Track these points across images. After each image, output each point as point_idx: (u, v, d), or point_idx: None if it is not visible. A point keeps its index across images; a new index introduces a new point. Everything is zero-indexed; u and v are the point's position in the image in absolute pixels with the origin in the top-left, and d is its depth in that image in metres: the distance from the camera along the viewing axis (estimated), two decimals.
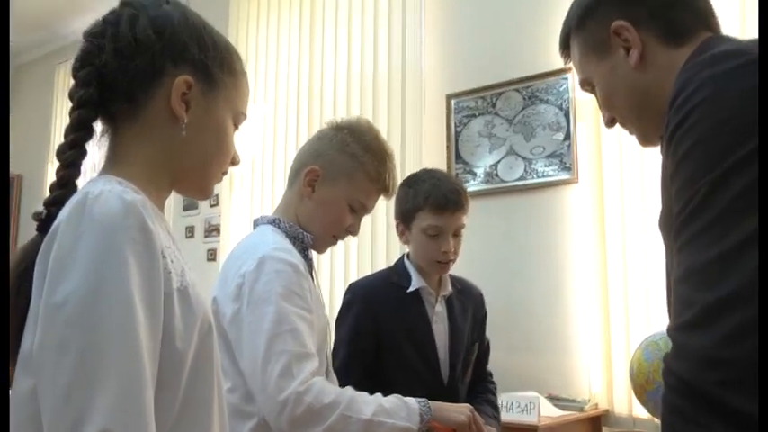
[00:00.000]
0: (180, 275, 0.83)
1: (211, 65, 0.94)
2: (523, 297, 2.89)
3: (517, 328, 2.86)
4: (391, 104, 3.38)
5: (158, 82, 0.89)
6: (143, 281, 0.76)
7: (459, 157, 3.17)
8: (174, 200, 4.13)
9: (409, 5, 3.39)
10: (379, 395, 1.40)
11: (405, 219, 1.90)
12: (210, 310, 0.90)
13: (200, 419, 0.84)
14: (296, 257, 1.44)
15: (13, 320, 0.80)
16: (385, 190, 1.59)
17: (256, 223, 1.58)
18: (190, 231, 4.32)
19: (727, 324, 0.71)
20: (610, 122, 1.12)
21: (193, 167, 0.95)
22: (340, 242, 1.64)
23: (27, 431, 0.76)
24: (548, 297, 2.83)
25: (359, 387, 1.46)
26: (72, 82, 0.89)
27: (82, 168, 0.88)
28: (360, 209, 1.56)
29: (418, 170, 2.02)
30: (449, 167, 3.16)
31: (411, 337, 1.85)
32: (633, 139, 1.12)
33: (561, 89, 2.88)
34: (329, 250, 1.74)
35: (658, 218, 0.97)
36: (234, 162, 1.01)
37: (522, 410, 2.34)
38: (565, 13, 1.13)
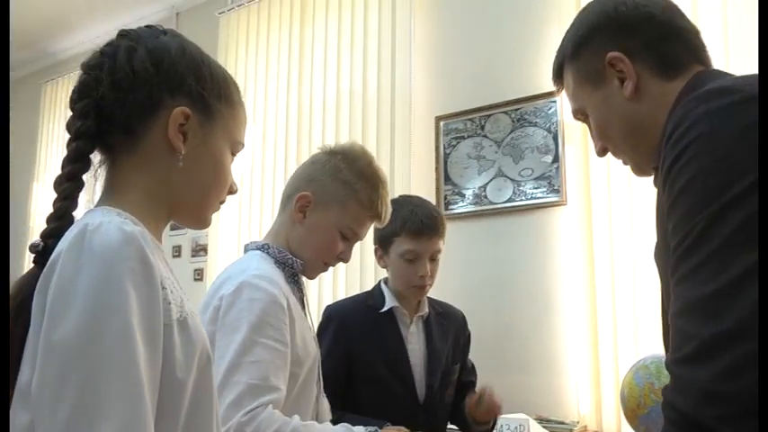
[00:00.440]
0: (179, 306, 0.83)
1: (208, 96, 0.94)
2: (512, 319, 2.89)
3: (506, 349, 2.86)
4: (380, 126, 3.39)
5: (156, 113, 0.90)
6: (143, 312, 0.75)
7: (447, 179, 3.18)
8: None
9: (398, 28, 3.41)
10: (327, 424, 1.39)
11: (383, 244, 1.95)
12: (208, 340, 0.90)
13: None
14: (278, 287, 1.39)
15: (12, 350, 0.79)
16: (377, 217, 1.57)
17: (246, 248, 1.57)
18: (177, 251, 4.29)
19: (726, 358, 0.72)
20: (602, 152, 1.13)
21: (191, 198, 0.95)
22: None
23: None
24: (536, 319, 2.83)
25: (332, 407, 1.48)
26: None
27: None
28: (351, 236, 1.55)
29: (396, 196, 2.03)
30: (438, 189, 3.17)
31: (384, 356, 1.88)
32: (621, 161, 1.13)
33: (550, 112, 2.90)
34: None
35: (654, 249, 0.98)
36: (231, 191, 1.02)
37: None
38: (554, 38, 1.15)
